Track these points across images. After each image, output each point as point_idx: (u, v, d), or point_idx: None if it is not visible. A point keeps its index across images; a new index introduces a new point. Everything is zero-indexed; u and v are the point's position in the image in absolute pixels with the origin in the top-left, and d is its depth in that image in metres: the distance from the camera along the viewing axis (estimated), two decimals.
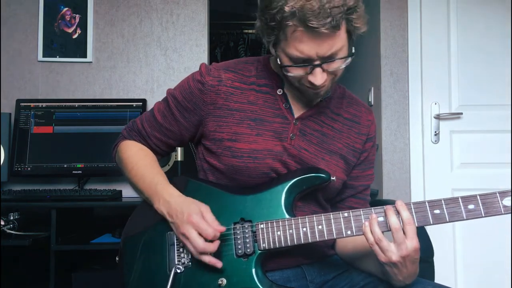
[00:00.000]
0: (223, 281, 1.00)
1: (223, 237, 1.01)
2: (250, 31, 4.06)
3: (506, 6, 2.45)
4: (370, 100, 2.68)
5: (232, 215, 1.03)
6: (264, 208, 1.03)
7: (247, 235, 1.02)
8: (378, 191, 2.50)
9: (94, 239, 1.99)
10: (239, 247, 1.01)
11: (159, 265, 1.05)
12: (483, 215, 0.90)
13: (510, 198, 0.89)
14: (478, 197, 0.91)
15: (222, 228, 0.99)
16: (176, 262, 1.04)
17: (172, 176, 1.16)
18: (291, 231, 1.00)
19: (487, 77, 2.44)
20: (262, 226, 1.02)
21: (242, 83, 1.12)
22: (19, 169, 2.23)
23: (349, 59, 1.00)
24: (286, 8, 0.91)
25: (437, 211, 0.92)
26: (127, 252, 1.10)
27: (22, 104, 2.30)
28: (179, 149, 2.22)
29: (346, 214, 0.97)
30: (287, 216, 1.02)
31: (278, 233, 1.00)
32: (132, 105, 2.33)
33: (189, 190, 1.09)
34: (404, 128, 2.50)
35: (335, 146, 1.13)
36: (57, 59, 2.44)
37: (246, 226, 1.03)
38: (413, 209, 0.93)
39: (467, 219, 0.91)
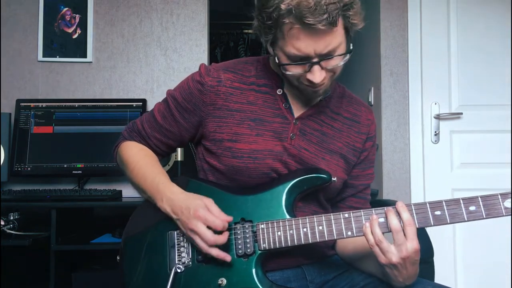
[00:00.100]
0: (223, 281, 1.00)
1: None
2: (250, 31, 4.05)
3: (506, 6, 2.45)
4: (370, 100, 2.68)
5: (232, 215, 1.03)
6: (265, 208, 1.03)
7: (247, 235, 1.02)
8: (378, 191, 2.50)
9: (94, 239, 1.99)
10: (240, 247, 1.01)
11: (159, 265, 1.05)
12: (484, 216, 0.90)
13: (511, 200, 0.89)
14: (479, 198, 0.91)
15: (230, 218, 0.99)
16: (177, 262, 1.04)
17: (172, 176, 1.15)
18: (291, 231, 1.00)
19: (487, 77, 2.44)
20: (262, 226, 1.02)
21: (241, 83, 1.12)
22: (19, 169, 2.23)
23: (348, 56, 1.00)
24: (282, 6, 0.91)
25: (438, 212, 0.92)
26: (128, 252, 1.10)
27: (22, 104, 2.30)
28: (179, 149, 2.22)
29: (346, 215, 0.97)
30: (287, 216, 1.02)
31: (279, 233, 1.00)
32: (132, 105, 2.33)
33: (190, 190, 1.08)
34: (404, 128, 2.50)
35: (335, 146, 1.13)
36: (57, 59, 2.44)
37: (246, 226, 1.03)
38: (414, 210, 0.93)
39: (468, 221, 0.91)
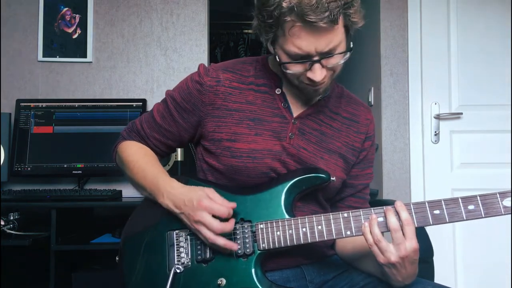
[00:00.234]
0: (223, 281, 1.00)
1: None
2: (250, 31, 4.05)
3: (506, 6, 2.45)
4: (370, 100, 2.68)
5: (232, 215, 1.03)
6: (264, 208, 1.03)
7: (246, 235, 1.02)
8: (378, 191, 2.50)
9: (94, 239, 1.99)
10: (239, 247, 1.01)
11: (159, 265, 1.05)
12: (483, 215, 0.90)
13: (510, 198, 0.89)
14: (478, 197, 0.91)
15: (234, 204, 1.00)
16: (176, 262, 1.04)
17: (172, 176, 1.15)
18: (290, 231, 1.00)
19: (487, 77, 2.44)
20: (261, 226, 1.02)
21: (240, 83, 1.12)
22: (19, 169, 2.23)
23: (348, 54, 1.00)
24: (284, 4, 0.91)
25: (437, 212, 0.92)
26: (127, 252, 1.10)
27: (22, 104, 2.30)
28: (179, 149, 2.22)
29: (345, 215, 0.97)
30: (286, 216, 1.02)
31: (278, 233, 1.00)
32: (132, 105, 2.33)
33: None
34: (404, 128, 2.50)
35: (334, 145, 1.13)
36: (57, 59, 2.44)
37: (245, 226, 1.03)
38: (413, 210, 0.93)
39: (467, 220, 0.91)
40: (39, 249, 1.90)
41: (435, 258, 1.73)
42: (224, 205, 0.99)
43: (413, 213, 0.93)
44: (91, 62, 2.46)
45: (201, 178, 1.16)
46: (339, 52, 0.98)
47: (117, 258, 1.13)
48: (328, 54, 0.97)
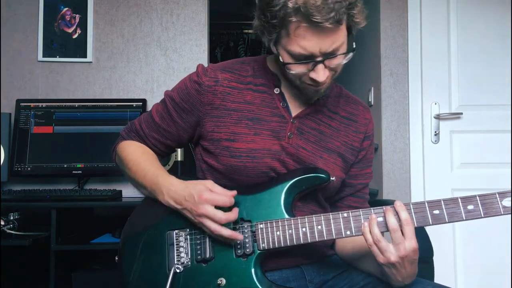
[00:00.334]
0: (222, 281, 1.00)
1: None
2: (250, 31, 4.06)
3: (506, 6, 2.45)
4: (370, 100, 2.68)
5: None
6: (264, 208, 1.03)
7: (246, 235, 1.02)
8: (378, 191, 2.50)
9: (94, 239, 1.99)
10: (239, 247, 1.01)
11: (158, 265, 1.05)
12: (483, 215, 0.90)
13: (509, 198, 0.89)
14: (477, 197, 0.91)
15: (234, 192, 1.00)
16: (176, 262, 1.04)
17: None
18: (290, 231, 1.00)
19: (487, 77, 2.44)
20: (261, 226, 1.02)
21: (239, 83, 1.12)
22: (19, 169, 2.23)
23: (351, 55, 1.00)
24: (290, 4, 0.91)
25: (436, 212, 0.92)
26: (127, 252, 1.10)
27: (22, 104, 2.30)
28: (179, 149, 2.22)
29: (345, 215, 0.97)
30: (286, 216, 1.02)
31: (278, 233, 1.00)
32: (132, 105, 2.33)
33: None
34: (404, 128, 2.50)
35: (333, 144, 1.13)
36: (57, 59, 2.45)
37: (245, 226, 1.03)
38: (412, 210, 0.93)
39: (466, 220, 0.91)
40: (39, 249, 1.90)
41: (435, 258, 1.73)
42: (224, 194, 0.99)
43: (413, 213, 0.93)
44: (91, 62, 2.46)
45: (201, 178, 1.15)
46: (342, 52, 0.98)
47: (116, 258, 1.13)
48: (332, 54, 0.97)
